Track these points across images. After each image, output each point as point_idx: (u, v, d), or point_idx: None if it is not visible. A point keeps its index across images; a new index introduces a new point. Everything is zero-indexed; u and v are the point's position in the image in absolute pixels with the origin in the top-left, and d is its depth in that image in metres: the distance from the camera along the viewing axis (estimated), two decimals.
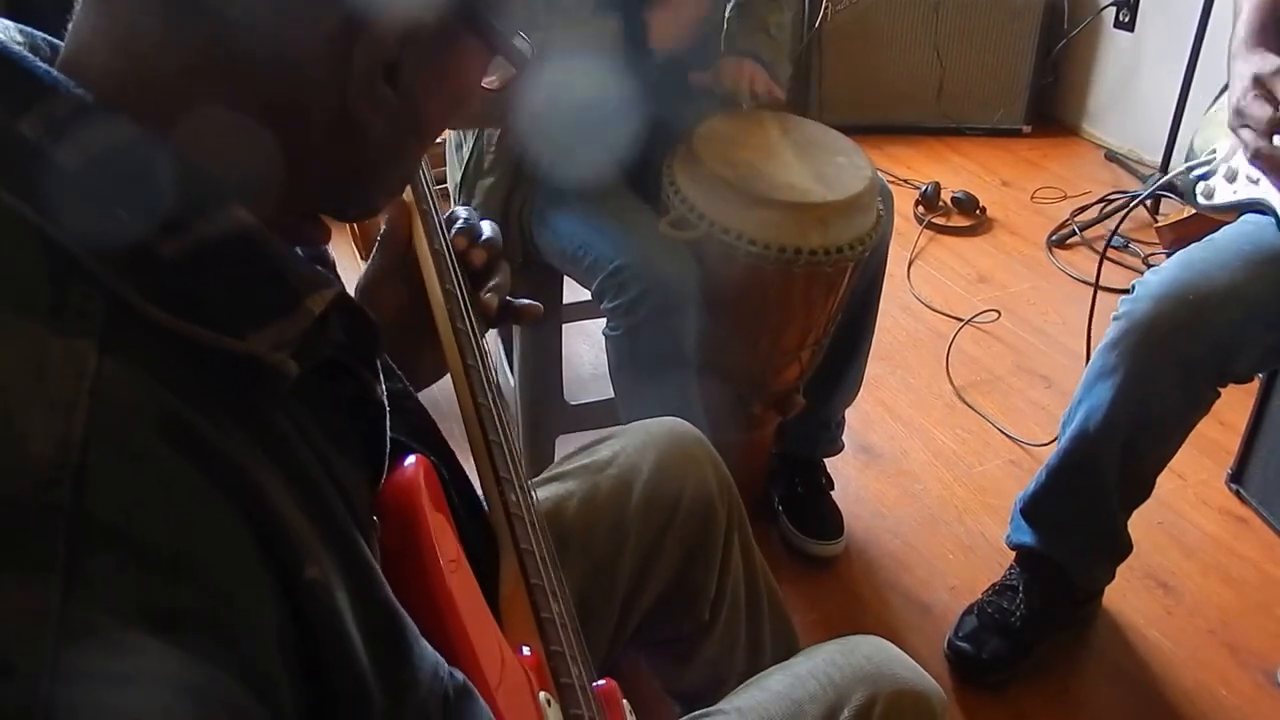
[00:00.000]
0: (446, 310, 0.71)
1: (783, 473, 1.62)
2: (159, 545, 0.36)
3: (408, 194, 0.75)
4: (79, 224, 0.39)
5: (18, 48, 0.42)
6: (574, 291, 1.49)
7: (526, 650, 0.64)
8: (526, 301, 0.80)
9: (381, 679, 0.45)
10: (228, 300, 0.42)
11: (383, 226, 0.76)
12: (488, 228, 0.79)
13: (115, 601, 0.35)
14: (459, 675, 0.53)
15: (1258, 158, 1.18)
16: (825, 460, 1.63)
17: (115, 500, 0.36)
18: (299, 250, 0.53)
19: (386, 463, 0.57)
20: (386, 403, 0.55)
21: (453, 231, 0.77)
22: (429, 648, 0.51)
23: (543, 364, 1.54)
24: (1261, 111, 1.14)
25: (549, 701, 0.62)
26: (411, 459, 0.60)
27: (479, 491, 0.71)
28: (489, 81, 0.55)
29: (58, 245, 0.39)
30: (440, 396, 0.80)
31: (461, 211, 0.80)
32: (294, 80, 0.45)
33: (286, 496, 0.42)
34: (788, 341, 1.36)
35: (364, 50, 0.45)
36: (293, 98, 0.45)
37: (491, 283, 0.77)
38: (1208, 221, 1.34)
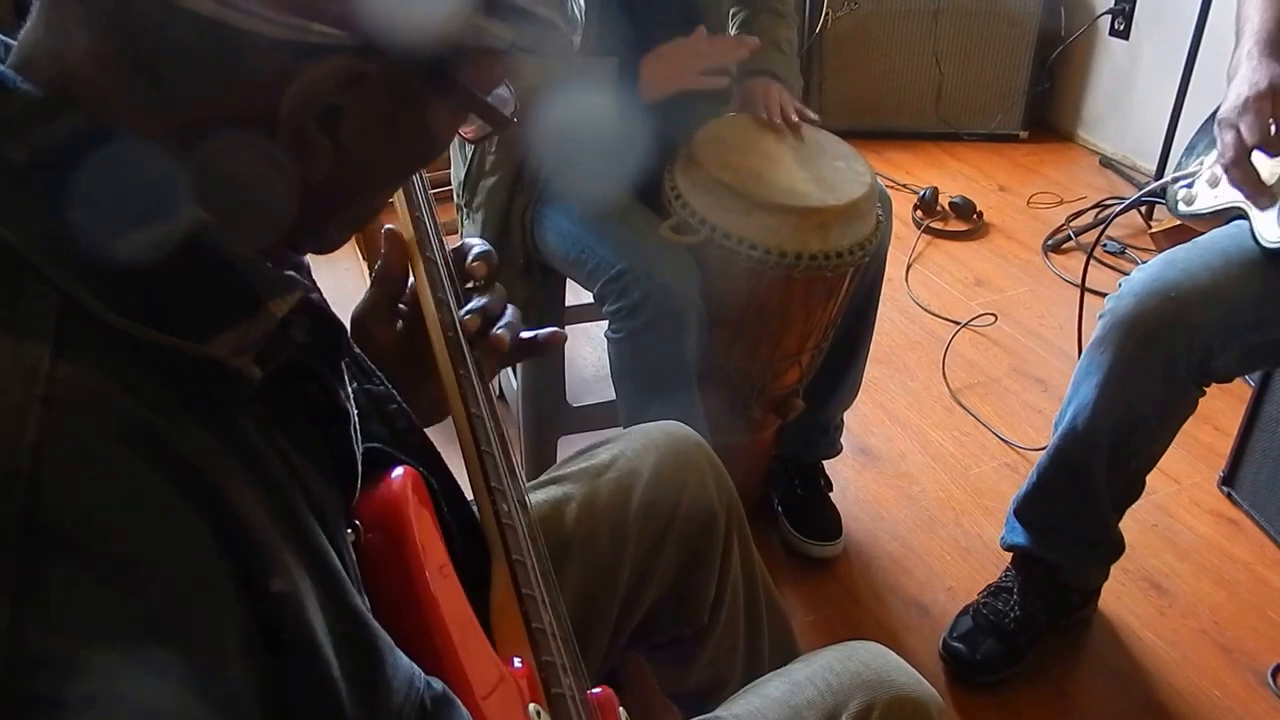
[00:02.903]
0: (439, 319, 0.70)
1: (782, 475, 1.64)
2: (116, 556, 0.35)
3: (400, 201, 0.74)
4: (29, 223, 0.38)
5: None
6: (577, 294, 1.50)
7: (518, 662, 0.63)
8: (547, 331, 0.77)
9: (353, 688, 0.44)
10: (187, 302, 0.41)
11: (381, 245, 0.74)
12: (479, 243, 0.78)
13: (71, 620, 0.33)
14: (437, 684, 0.52)
15: (1232, 166, 1.16)
16: (824, 462, 1.65)
17: (70, 510, 0.34)
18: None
19: (360, 469, 0.56)
20: (353, 407, 0.54)
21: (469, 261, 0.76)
22: (403, 657, 0.50)
23: (545, 366, 1.56)
24: (1260, 123, 1.12)
25: (539, 713, 0.62)
26: (399, 470, 0.60)
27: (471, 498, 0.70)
28: (465, 130, 0.53)
29: (8, 245, 0.38)
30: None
31: (473, 243, 0.78)
32: (228, 109, 0.43)
33: (253, 503, 0.41)
34: (788, 345, 1.37)
35: (295, 93, 0.43)
36: (229, 123, 0.43)
37: (504, 320, 0.75)
38: (1202, 227, 1.36)
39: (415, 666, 0.51)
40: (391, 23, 0.43)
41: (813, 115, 1.41)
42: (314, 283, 0.56)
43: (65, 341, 0.37)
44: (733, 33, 1.48)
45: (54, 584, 0.33)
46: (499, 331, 0.73)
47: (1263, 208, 1.18)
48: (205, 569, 0.38)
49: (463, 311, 0.73)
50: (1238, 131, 1.14)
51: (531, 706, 0.61)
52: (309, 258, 0.57)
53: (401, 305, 0.76)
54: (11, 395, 0.35)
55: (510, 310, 0.76)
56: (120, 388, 0.38)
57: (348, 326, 0.55)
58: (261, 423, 0.45)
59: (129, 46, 0.41)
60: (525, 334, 0.77)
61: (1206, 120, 1.36)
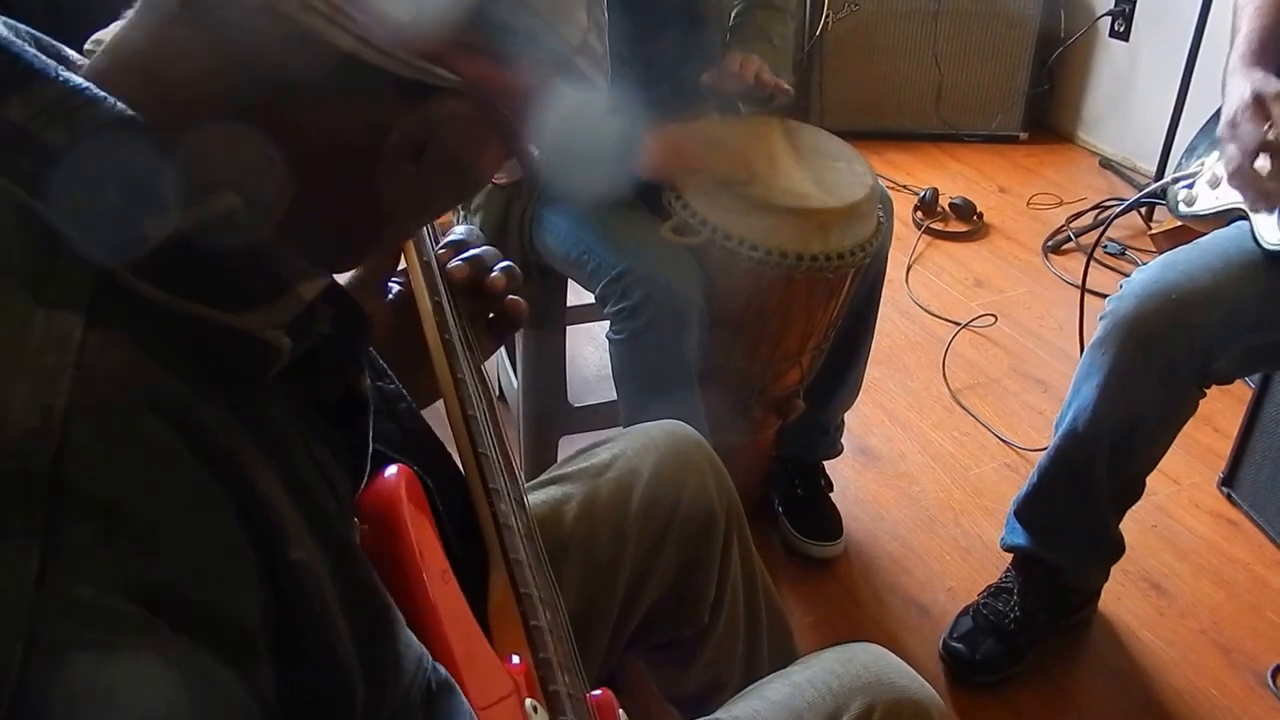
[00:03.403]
0: (435, 321, 0.71)
1: (783, 475, 1.64)
2: (139, 517, 0.37)
3: None
4: (68, 204, 0.40)
5: (6, 31, 0.43)
6: (577, 294, 1.51)
7: (516, 659, 0.64)
8: (512, 297, 0.78)
9: (365, 664, 0.45)
10: (219, 279, 0.43)
11: None
12: (470, 235, 0.79)
13: (94, 571, 0.35)
14: (442, 670, 0.53)
15: (1237, 175, 1.18)
16: (825, 462, 1.65)
17: (96, 471, 0.36)
18: None
19: (369, 464, 0.57)
20: (370, 398, 0.55)
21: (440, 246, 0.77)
22: (414, 637, 0.51)
23: (546, 366, 1.56)
24: (1254, 130, 1.14)
25: (535, 709, 0.62)
26: (393, 468, 0.61)
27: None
28: (498, 177, 0.57)
29: (46, 223, 0.39)
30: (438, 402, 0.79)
31: (460, 230, 0.80)
32: (325, 136, 0.46)
33: (273, 479, 0.43)
34: (788, 346, 1.38)
35: (403, 129, 0.47)
36: (317, 148, 0.46)
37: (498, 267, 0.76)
38: (1202, 229, 1.36)
39: (424, 649, 0.52)
40: (494, 75, 0.48)
41: (788, 88, 1.38)
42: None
43: (98, 312, 0.39)
44: (730, 27, 1.48)
45: (79, 537, 0.35)
46: (495, 274, 0.75)
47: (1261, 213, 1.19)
48: (224, 535, 0.39)
49: (451, 263, 0.75)
50: (1236, 145, 1.16)
51: (529, 702, 0.62)
52: None
53: (394, 283, 0.77)
54: (47, 363, 0.37)
55: (506, 263, 0.77)
56: (150, 359, 0.39)
57: None
58: (284, 404, 0.47)
59: (243, 68, 0.44)
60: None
61: (1207, 121, 1.37)
